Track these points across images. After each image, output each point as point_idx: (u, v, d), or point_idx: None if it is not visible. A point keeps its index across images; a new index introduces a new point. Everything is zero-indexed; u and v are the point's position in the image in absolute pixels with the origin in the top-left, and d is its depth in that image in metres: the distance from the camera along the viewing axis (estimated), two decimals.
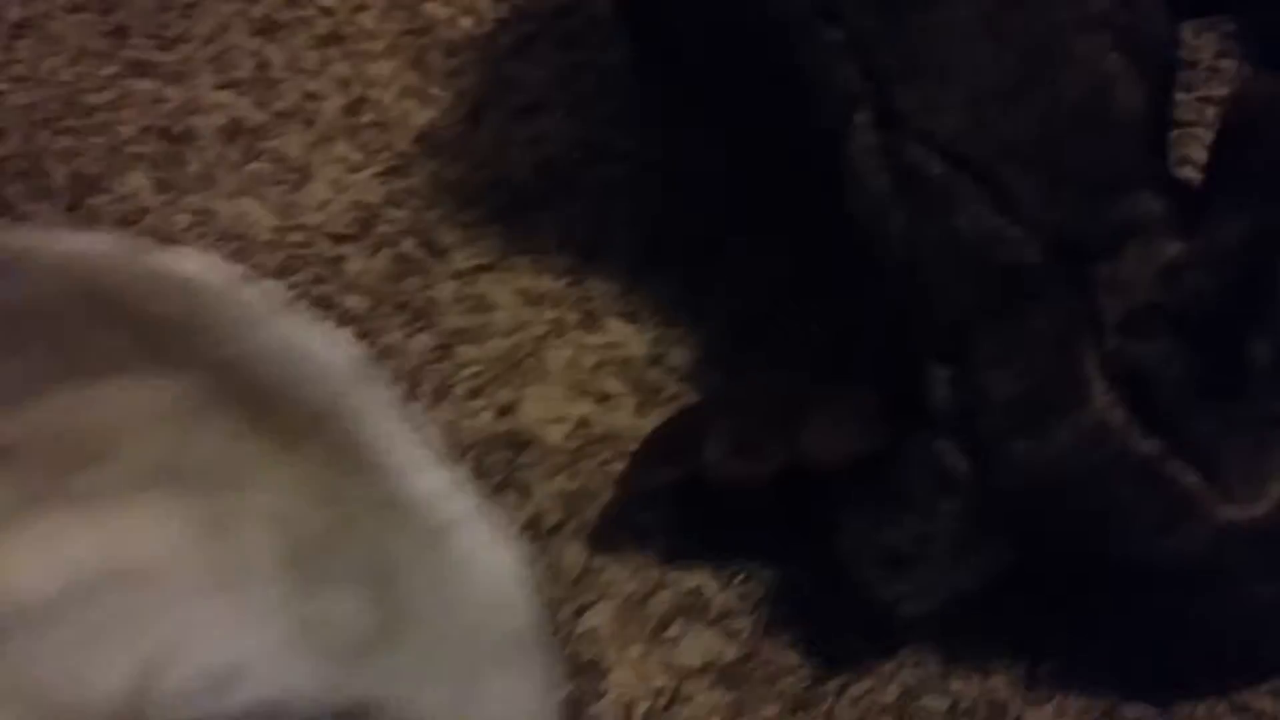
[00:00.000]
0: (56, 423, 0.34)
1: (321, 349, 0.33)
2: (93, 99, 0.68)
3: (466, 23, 0.69)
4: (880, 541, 0.43)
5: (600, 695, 0.47)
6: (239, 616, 0.29)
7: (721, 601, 0.49)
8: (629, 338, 0.56)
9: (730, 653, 0.48)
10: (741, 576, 0.50)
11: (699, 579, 0.50)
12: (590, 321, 0.57)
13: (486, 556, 0.32)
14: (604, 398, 0.55)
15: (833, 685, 0.47)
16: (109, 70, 0.69)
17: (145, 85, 0.68)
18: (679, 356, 0.56)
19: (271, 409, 0.31)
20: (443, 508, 0.32)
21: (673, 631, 0.49)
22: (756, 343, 0.55)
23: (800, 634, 0.48)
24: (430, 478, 0.33)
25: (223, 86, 0.68)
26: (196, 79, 0.68)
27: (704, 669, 0.48)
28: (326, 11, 0.70)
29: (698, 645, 0.48)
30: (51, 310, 0.37)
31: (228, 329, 0.32)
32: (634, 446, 0.51)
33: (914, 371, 0.43)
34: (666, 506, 0.51)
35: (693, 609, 0.49)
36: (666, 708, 0.47)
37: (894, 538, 0.43)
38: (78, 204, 0.63)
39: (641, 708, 0.47)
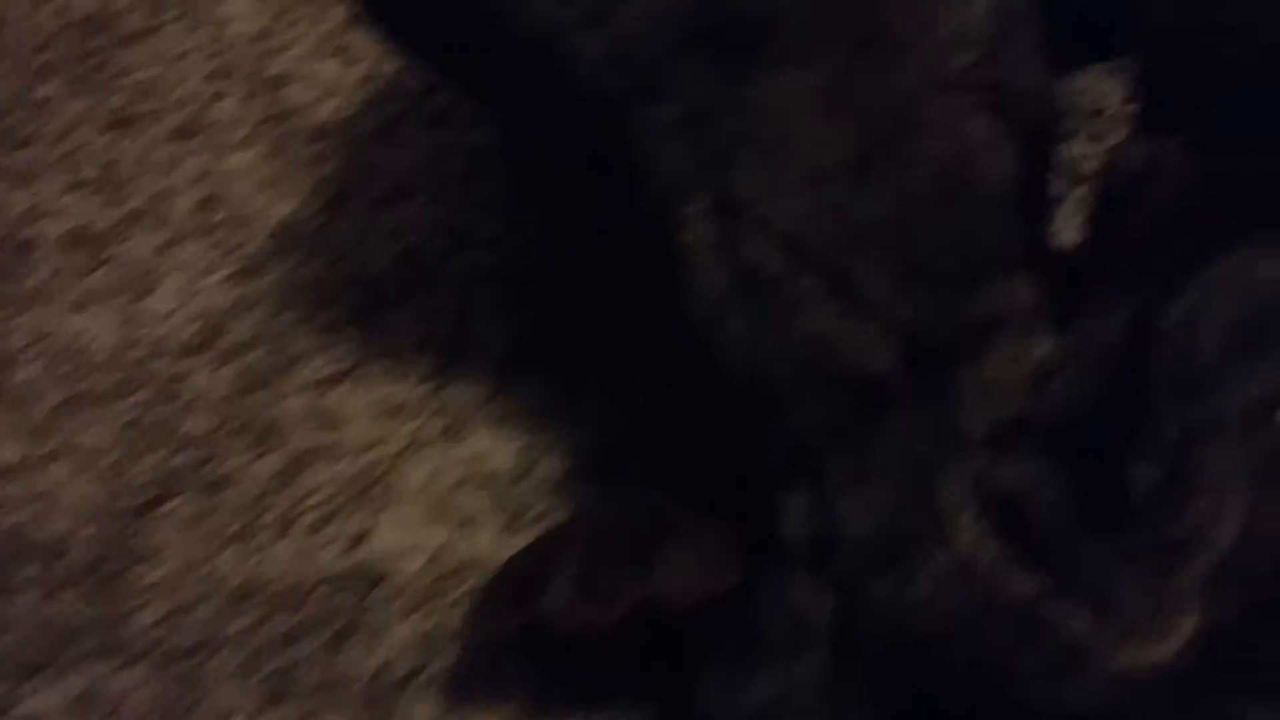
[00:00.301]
0: None
1: None
2: None
3: (330, 106, 0.63)
4: (739, 701, 0.37)
5: None
6: None
7: None
8: (494, 449, 0.51)
9: None
10: None
11: None
12: (452, 432, 0.51)
13: None
14: (465, 520, 0.49)
15: None
16: None
17: None
18: (548, 467, 0.50)
19: None
20: None
21: None
22: (632, 450, 0.50)
23: None
24: None
25: (69, 189, 0.62)
26: (42, 181, 0.63)
27: None
28: (183, 102, 0.65)
29: None
30: None
31: None
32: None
33: (770, 497, 0.37)
34: (525, 649, 0.45)
35: None
36: None
37: (754, 696, 0.37)
38: None
39: None
